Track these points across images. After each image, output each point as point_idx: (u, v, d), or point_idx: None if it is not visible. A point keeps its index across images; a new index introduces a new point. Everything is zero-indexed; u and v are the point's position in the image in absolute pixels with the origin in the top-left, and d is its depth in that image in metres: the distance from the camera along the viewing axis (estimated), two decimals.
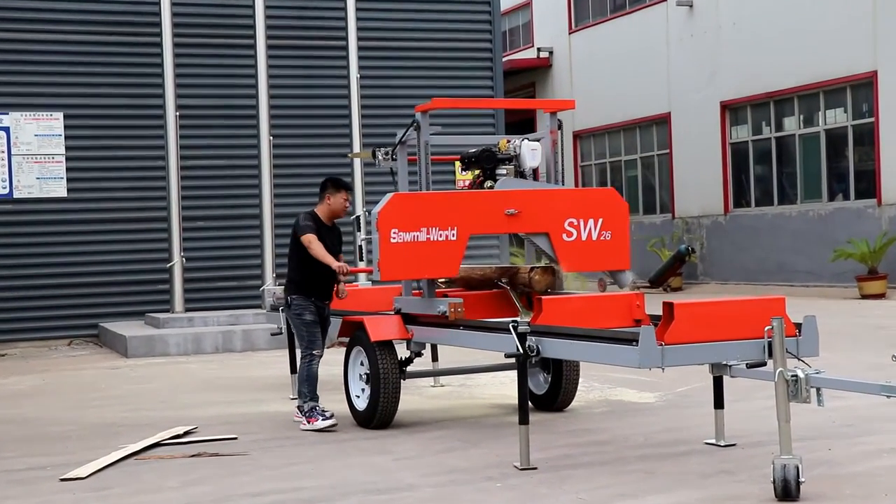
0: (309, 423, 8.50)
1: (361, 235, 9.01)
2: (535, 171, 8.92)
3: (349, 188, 9.03)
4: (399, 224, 8.06)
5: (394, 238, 8.04)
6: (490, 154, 8.85)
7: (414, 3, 18.92)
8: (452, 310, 8.03)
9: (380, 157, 9.31)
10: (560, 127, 9.16)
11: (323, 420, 8.46)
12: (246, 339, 14.89)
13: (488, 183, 8.79)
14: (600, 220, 8.50)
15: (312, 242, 8.57)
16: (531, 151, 8.83)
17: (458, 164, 9.42)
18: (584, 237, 8.47)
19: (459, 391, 10.43)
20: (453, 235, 8.19)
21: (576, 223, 8.46)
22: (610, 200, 8.75)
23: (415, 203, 8.24)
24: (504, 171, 8.83)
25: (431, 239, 8.13)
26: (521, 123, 27.80)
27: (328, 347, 14.40)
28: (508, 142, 8.92)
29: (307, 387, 8.60)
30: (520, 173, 8.85)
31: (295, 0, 18.02)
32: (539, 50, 30.30)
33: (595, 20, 28.50)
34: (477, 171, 9.00)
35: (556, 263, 8.49)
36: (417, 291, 8.82)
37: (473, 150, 9.00)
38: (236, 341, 14.88)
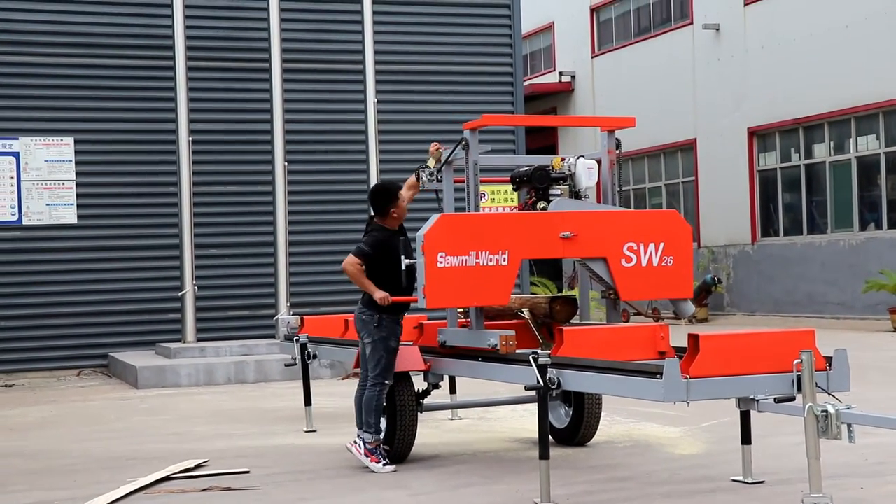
0: (368, 458, 8.16)
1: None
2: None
3: (400, 188, 8.59)
4: (446, 248, 7.78)
5: (441, 263, 7.76)
6: (543, 173, 8.54)
7: (432, 26, 19.00)
8: (504, 342, 7.78)
9: (424, 179, 9.08)
10: (619, 146, 8.82)
11: (385, 465, 8.14)
12: (259, 369, 14.91)
13: (541, 204, 8.48)
14: (661, 245, 8.21)
15: (347, 266, 8.19)
16: (587, 170, 8.51)
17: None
18: (644, 263, 8.17)
19: (478, 424, 10.42)
20: (504, 260, 7.91)
21: (635, 248, 8.16)
22: (672, 223, 8.44)
23: (463, 225, 7.95)
24: (558, 192, 8.55)
25: (481, 263, 7.84)
26: (542, 149, 27.90)
27: (343, 379, 14.49)
28: (563, 160, 8.63)
29: (374, 417, 8.21)
30: (574, 194, 8.55)
31: (311, 23, 18.13)
32: (561, 74, 30.39)
33: (619, 44, 28.59)
34: (528, 191, 8.69)
35: (614, 291, 8.26)
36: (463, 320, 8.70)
37: (525, 169, 8.74)
38: (249, 372, 14.89)
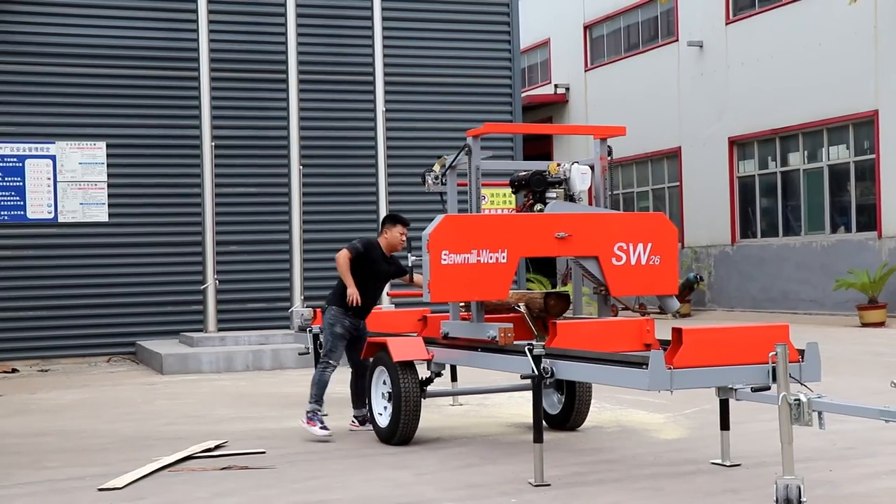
0: (308, 424, 8.77)
1: (411, 257, 8.83)
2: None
3: (405, 223, 9.07)
4: (450, 246, 7.82)
5: (444, 260, 7.80)
6: (540, 177, 8.57)
7: (438, 41, 19.00)
8: (503, 334, 7.78)
9: (429, 182, 9.08)
10: (610, 153, 8.83)
11: (320, 429, 8.71)
12: (275, 357, 14.92)
13: (538, 206, 8.52)
14: (649, 245, 8.23)
15: (340, 258, 8.82)
16: (581, 175, 8.52)
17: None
18: (633, 262, 8.19)
19: (477, 410, 10.42)
20: (503, 258, 7.93)
21: (625, 247, 8.18)
22: (659, 225, 8.46)
23: (466, 225, 7.99)
24: (554, 195, 8.58)
25: (482, 261, 7.87)
26: (538, 156, 27.88)
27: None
28: (559, 166, 8.64)
29: (316, 389, 8.86)
30: (569, 197, 8.57)
31: (325, 37, 18.13)
32: (556, 86, 30.36)
33: (610, 59, 28.56)
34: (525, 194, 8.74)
35: (605, 287, 8.27)
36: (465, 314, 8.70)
37: (523, 174, 8.75)
38: (266, 360, 14.90)
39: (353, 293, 8.79)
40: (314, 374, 9.00)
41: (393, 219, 9.11)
